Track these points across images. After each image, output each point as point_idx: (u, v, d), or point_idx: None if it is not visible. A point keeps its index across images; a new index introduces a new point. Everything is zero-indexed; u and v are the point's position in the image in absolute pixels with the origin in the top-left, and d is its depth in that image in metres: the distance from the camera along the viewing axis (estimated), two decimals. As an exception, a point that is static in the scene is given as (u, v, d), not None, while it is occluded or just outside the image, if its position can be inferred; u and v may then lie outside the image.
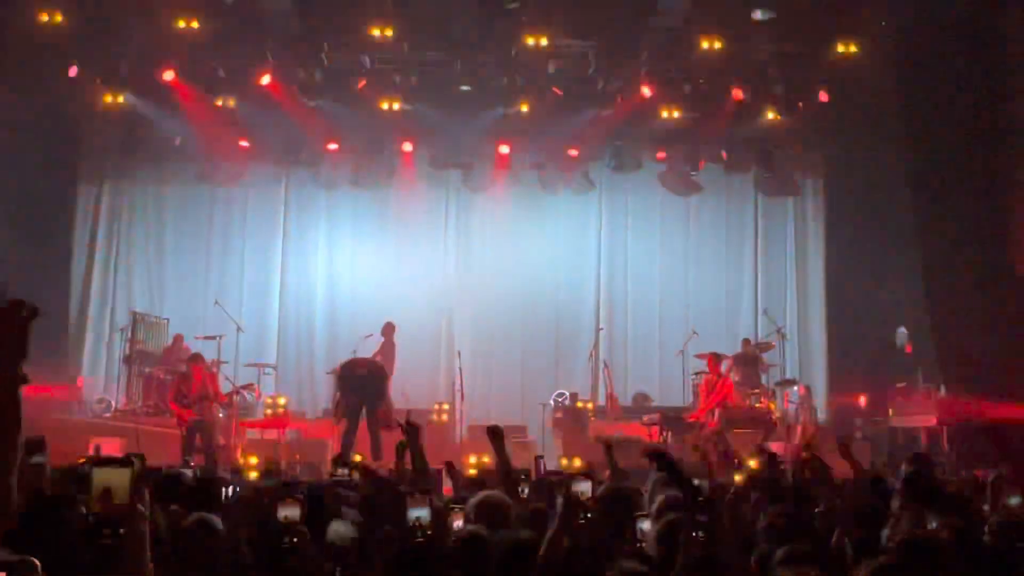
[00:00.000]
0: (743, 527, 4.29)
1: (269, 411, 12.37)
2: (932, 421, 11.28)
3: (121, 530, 2.48)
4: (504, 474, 4.56)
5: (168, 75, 12.49)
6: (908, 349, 12.46)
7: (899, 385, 12.12)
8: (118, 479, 2.55)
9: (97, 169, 14.19)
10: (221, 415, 11.03)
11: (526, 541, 3.36)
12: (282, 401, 12.52)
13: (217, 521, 3.43)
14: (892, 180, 12.37)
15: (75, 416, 12.27)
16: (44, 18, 11.37)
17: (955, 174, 11.41)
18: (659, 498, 4.23)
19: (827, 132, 13.67)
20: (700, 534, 3.18)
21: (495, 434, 4.82)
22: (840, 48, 12.12)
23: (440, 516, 3.70)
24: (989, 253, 11.28)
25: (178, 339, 13.07)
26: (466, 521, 4.00)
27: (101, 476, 2.58)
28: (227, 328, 12.82)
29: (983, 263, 11.22)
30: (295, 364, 14.24)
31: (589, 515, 3.18)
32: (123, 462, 2.62)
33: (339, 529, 3.76)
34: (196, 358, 11.01)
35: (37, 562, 1.88)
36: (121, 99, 12.82)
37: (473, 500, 4.13)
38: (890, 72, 12.04)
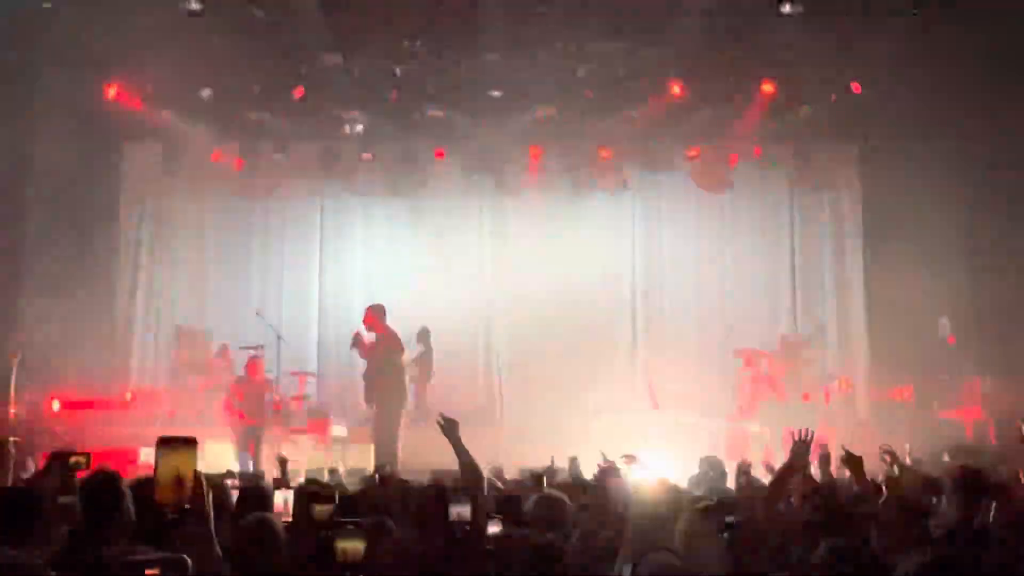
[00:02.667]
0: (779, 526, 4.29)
1: (311, 418, 12.54)
2: (977, 413, 11.12)
3: (188, 506, 2.44)
4: (465, 466, 4.47)
5: (204, 92, 12.74)
6: (951, 340, 12.29)
7: (943, 377, 11.95)
8: (185, 462, 2.47)
9: (138, 186, 14.51)
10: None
11: (549, 544, 3.40)
12: (324, 408, 12.70)
13: (275, 520, 3.53)
14: (929, 170, 12.20)
15: (125, 429, 12.55)
16: (84, 39, 11.65)
17: (996, 161, 11.25)
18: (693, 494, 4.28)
19: (861, 124, 13.53)
20: (726, 536, 3.18)
21: (449, 426, 4.60)
22: (871, 38, 11.99)
23: (482, 512, 3.76)
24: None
25: (224, 348, 13.31)
26: (522, 521, 4.03)
27: (170, 462, 2.46)
28: (269, 338, 13.02)
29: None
30: (336, 371, 14.42)
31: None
32: (188, 441, 2.53)
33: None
34: (255, 364, 11.29)
35: (188, 560, 1.94)
36: (160, 116, 13.09)
37: (533, 498, 4.18)
38: (923, 60, 11.89)
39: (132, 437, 10.66)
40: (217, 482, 4.21)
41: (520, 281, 14.53)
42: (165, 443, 2.53)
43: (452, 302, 14.18)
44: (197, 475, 2.49)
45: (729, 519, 3.13)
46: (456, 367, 13.63)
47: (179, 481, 2.45)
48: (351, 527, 3.04)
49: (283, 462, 6.01)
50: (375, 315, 10.02)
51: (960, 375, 11.77)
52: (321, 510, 3.13)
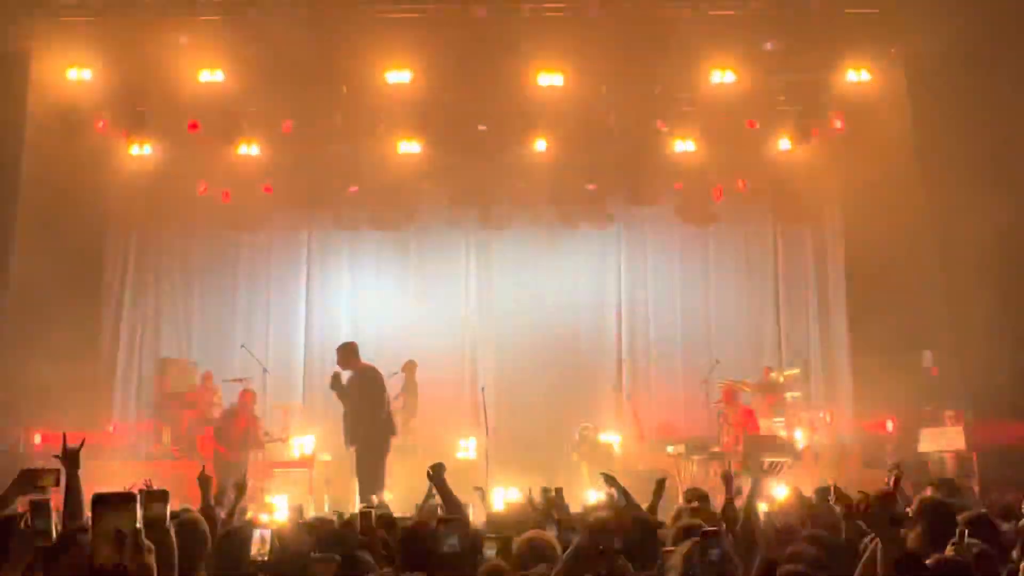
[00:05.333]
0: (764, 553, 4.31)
1: (296, 451, 12.47)
2: (961, 446, 11.17)
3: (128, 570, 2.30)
4: (449, 503, 4.62)
5: (192, 124, 12.81)
6: (934, 372, 12.37)
7: (926, 409, 12.02)
8: (127, 519, 2.34)
9: (125, 217, 14.50)
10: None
11: None
12: (309, 440, 12.62)
13: None
14: (910, 203, 12.37)
15: (107, 461, 12.43)
16: (74, 73, 11.73)
17: (973, 196, 11.40)
18: (679, 525, 4.30)
19: (842, 158, 13.71)
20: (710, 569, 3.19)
21: (436, 470, 4.82)
22: (852, 75, 12.22)
23: (472, 544, 3.77)
24: (1013, 272, 11.23)
25: (207, 378, 13.24)
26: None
27: (109, 520, 2.33)
28: (254, 370, 13.00)
29: (1007, 282, 11.17)
30: (321, 403, 14.35)
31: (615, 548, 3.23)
32: (126, 497, 2.39)
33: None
34: (245, 398, 11.23)
35: None
36: (147, 149, 13.13)
37: (519, 540, 4.18)
38: (902, 96, 12.12)
39: (115, 471, 10.54)
40: (192, 517, 4.18)
41: (505, 313, 14.59)
42: (100, 501, 2.37)
43: (438, 333, 14.21)
44: (136, 533, 2.34)
45: (715, 551, 3.14)
46: (441, 398, 13.61)
47: (119, 540, 2.32)
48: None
49: (240, 487, 5.72)
50: (347, 354, 9.99)
51: (942, 408, 11.82)
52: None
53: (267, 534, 3.92)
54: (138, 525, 2.34)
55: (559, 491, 5.72)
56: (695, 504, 5.80)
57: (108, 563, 2.30)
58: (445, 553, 3.66)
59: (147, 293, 14.69)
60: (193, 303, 14.76)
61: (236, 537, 4.03)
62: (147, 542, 2.35)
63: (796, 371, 13.28)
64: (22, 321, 11.97)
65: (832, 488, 4.67)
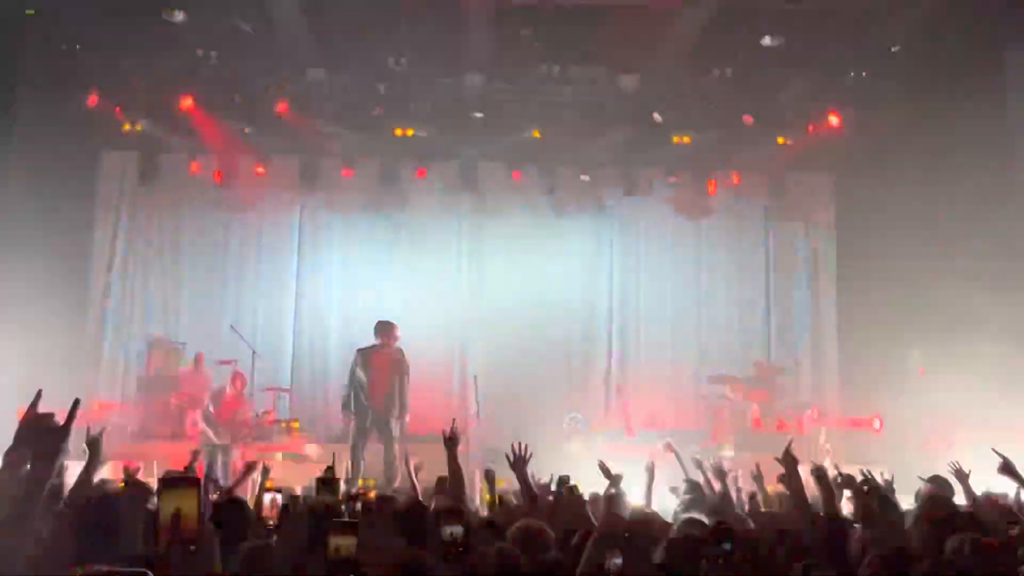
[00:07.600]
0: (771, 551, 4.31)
1: (285, 435, 12.41)
2: (946, 444, 11.22)
3: (192, 548, 2.42)
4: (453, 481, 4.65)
5: (186, 102, 12.68)
6: (921, 371, 12.43)
7: (912, 408, 12.06)
8: (187, 501, 2.47)
9: (115, 196, 14.35)
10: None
11: (556, 563, 3.40)
12: (297, 424, 12.56)
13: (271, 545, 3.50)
14: (904, 201, 12.41)
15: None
16: (65, 47, 11.57)
17: (968, 196, 11.45)
18: (681, 518, 4.30)
19: (838, 155, 13.74)
20: (721, 561, 3.19)
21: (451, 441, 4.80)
22: (850, 73, 12.24)
23: (474, 532, 3.74)
24: (1006, 271, 11.28)
25: (199, 360, 13.12)
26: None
27: (170, 499, 2.48)
28: (242, 352, 12.90)
29: (999, 282, 11.22)
30: (309, 387, 14.30)
31: (626, 535, 3.23)
32: (191, 482, 2.54)
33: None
34: (235, 382, 11.17)
35: (150, 573, 1.92)
36: (139, 127, 12.99)
37: (512, 528, 4.16)
38: (900, 95, 12.15)
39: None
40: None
41: (497, 301, 14.51)
42: (167, 483, 2.55)
43: (429, 320, 14.11)
44: (201, 515, 2.49)
45: (726, 545, 3.14)
46: (431, 385, 13.54)
47: (177, 520, 2.45)
48: (344, 523, 3.06)
49: (249, 467, 5.77)
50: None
51: (929, 407, 11.87)
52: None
53: (279, 498, 3.91)
54: (196, 505, 2.44)
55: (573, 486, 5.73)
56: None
57: (168, 542, 2.39)
58: (446, 541, 3.64)
59: (135, 272, 14.54)
60: (182, 283, 14.61)
61: (237, 505, 4.00)
62: (211, 526, 2.40)
63: (786, 367, 13.32)
64: (7, 297, 11.81)
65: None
